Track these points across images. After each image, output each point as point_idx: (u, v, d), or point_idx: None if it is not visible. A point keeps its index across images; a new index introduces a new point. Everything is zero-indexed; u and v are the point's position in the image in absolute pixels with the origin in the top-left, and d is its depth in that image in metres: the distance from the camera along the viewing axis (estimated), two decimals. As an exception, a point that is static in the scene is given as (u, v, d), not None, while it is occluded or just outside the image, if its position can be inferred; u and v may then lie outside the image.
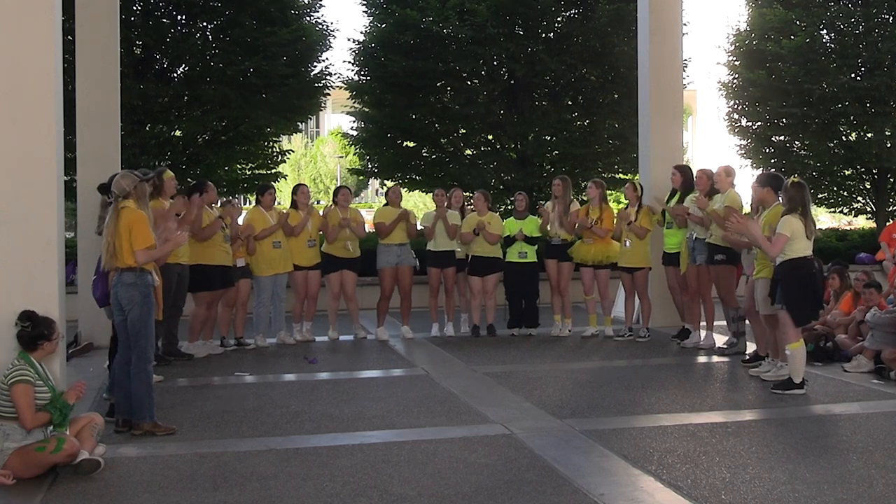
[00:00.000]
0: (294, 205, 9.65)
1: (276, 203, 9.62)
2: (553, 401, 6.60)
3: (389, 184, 25.44)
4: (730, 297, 8.62)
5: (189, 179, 13.76)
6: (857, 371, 7.69)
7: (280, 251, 9.30)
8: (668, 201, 9.36)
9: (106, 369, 6.92)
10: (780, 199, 7.08)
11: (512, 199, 17.48)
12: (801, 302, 6.74)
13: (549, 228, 9.83)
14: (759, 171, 10.94)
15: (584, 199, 10.16)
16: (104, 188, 6.61)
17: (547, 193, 17.60)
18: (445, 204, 10.05)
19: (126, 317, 5.63)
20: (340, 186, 10.20)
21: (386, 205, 10.15)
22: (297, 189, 9.83)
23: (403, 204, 10.52)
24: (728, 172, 8.60)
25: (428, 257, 10.01)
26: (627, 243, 9.52)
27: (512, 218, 10.15)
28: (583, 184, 17.66)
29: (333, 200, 9.98)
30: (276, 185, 15.96)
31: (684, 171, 9.41)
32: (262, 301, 9.35)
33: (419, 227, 10.17)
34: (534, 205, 16.85)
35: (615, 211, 9.78)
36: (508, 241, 9.94)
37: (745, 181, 22.96)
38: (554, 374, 7.72)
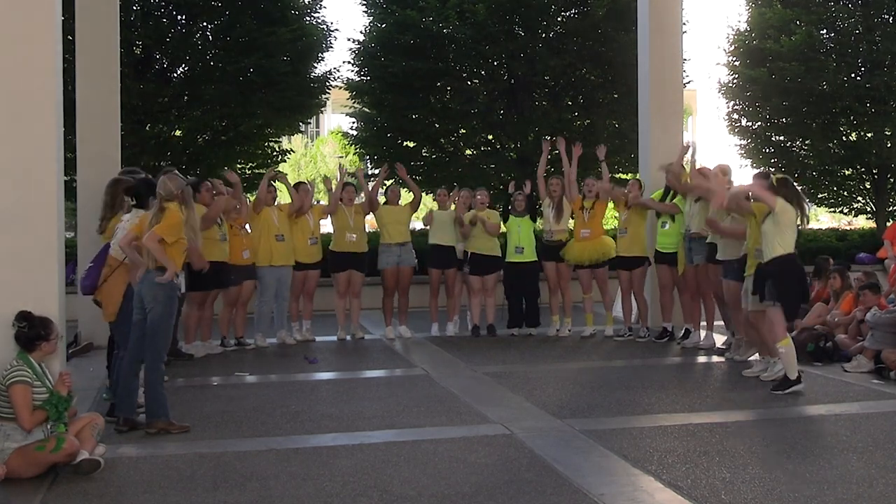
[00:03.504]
0: None
1: (276, 201, 9.61)
2: (553, 401, 6.60)
3: (389, 184, 25.45)
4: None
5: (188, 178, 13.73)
6: (857, 371, 7.69)
7: (283, 244, 9.29)
8: (662, 199, 9.37)
9: (106, 370, 6.92)
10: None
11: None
12: (792, 296, 6.84)
13: (545, 226, 9.83)
14: (759, 171, 10.91)
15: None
16: (130, 190, 6.48)
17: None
18: (468, 205, 10.05)
19: (145, 315, 5.64)
20: (345, 183, 10.19)
21: (385, 203, 10.14)
22: (298, 187, 9.83)
23: (403, 201, 10.51)
24: (724, 171, 8.61)
25: (428, 254, 9.97)
26: (625, 231, 9.50)
27: (511, 217, 10.13)
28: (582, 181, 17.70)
29: (339, 198, 9.98)
30: (275, 184, 15.95)
31: None
32: (265, 300, 9.35)
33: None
34: (534, 204, 16.88)
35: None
36: (505, 244, 9.95)
37: (744, 182, 22.86)
38: (554, 374, 7.72)
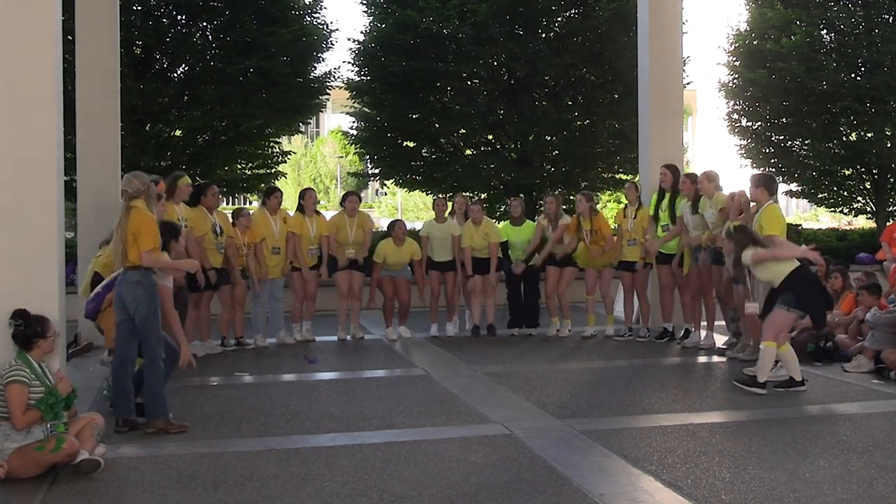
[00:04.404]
0: (301, 209, 9.64)
1: (280, 205, 9.59)
2: (553, 401, 6.61)
3: (389, 184, 25.42)
4: (729, 297, 8.62)
5: (198, 179, 13.61)
6: (857, 371, 7.70)
7: (278, 257, 9.34)
8: (658, 202, 9.40)
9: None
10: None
11: (512, 199, 17.47)
12: (819, 305, 6.91)
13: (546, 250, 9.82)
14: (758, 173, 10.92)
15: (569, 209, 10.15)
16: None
17: (547, 193, 17.57)
18: (464, 211, 10.04)
19: (130, 317, 5.63)
20: (348, 193, 10.11)
21: (386, 236, 9.93)
22: (304, 194, 9.80)
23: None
24: (710, 178, 8.66)
25: (429, 264, 9.95)
26: (634, 242, 9.50)
27: (507, 223, 10.08)
28: (583, 183, 17.75)
29: (341, 204, 9.92)
30: (276, 183, 15.95)
31: (674, 170, 9.42)
32: (259, 301, 9.35)
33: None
34: (532, 206, 16.88)
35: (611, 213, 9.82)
36: (505, 247, 9.94)
37: (744, 182, 22.78)
38: (554, 374, 7.72)
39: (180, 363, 5.94)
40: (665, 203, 9.27)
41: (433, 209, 10.17)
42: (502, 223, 10.20)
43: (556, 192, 10.17)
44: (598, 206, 9.81)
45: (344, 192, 10.35)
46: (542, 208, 10.24)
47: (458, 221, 10.08)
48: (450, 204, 10.18)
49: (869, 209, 18.08)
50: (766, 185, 7.52)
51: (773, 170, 17.96)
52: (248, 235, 9.11)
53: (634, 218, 9.55)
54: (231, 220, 9.15)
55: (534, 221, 10.16)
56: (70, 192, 9.91)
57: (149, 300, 5.60)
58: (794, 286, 6.77)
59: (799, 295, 6.76)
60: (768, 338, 6.84)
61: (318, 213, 9.87)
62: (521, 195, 14.09)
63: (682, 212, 8.98)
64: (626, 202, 9.92)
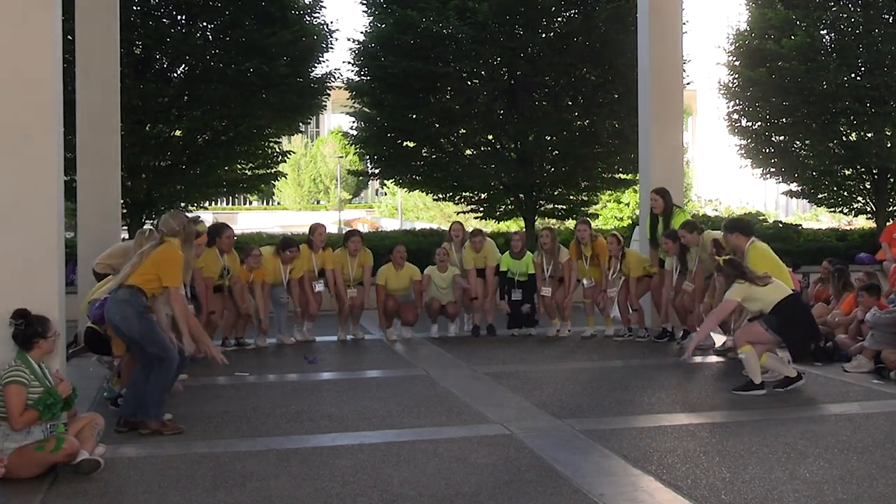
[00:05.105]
0: (310, 244, 9.63)
1: (295, 259, 9.46)
2: (553, 401, 6.61)
3: (389, 184, 25.35)
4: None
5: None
6: (857, 371, 7.70)
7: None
8: (652, 227, 9.48)
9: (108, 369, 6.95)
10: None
11: (512, 199, 17.49)
12: (798, 339, 6.91)
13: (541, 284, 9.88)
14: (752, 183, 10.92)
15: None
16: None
17: (547, 193, 17.60)
18: (462, 238, 10.09)
19: (125, 333, 5.66)
20: (351, 233, 10.11)
21: (387, 262, 9.87)
22: (315, 229, 9.76)
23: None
24: (690, 229, 8.68)
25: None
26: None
27: (507, 254, 10.07)
28: (583, 183, 17.75)
29: (343, 244, 9.87)
30: (276, 184, 15.93)
31: (664, 194, 9.43)
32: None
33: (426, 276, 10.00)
34: (532, 206, 16.89)
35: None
36: (503, 276, 9.99)
37: (744, 182, 22.93)
38: (554, 374, 7.73)
39: (219, 362, 6.21)
40: (660, 228, 9.33)
41: (435, 258, 9.99)
42: (503, 254, 10.13)
43: (552, 225, 10.16)
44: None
45: (347, 231, 10.35)
46: (540, 208, 10.22)
47: (455, 248, 10.11)
48: (451, 252, 10.09)
49: (869, 209, 18.07)
50: (738, 230, 7.49)
51: (773, 169, 17.98)
52: (256, 274, 9.12)
53: (620, 267, 9.63)
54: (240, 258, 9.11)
55: (532, 253, 10.11)
56: (70, 192, 9.91)
57: (138, 317, 5.60)
58: (781, 312, 6.79)
59: (781, 320, 6.76)
60: (741, 344, 6.85)
61: (325, 248, 9.71)
62: (523, 227, 14.05)
63: (670, 267, 9.11)
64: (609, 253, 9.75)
